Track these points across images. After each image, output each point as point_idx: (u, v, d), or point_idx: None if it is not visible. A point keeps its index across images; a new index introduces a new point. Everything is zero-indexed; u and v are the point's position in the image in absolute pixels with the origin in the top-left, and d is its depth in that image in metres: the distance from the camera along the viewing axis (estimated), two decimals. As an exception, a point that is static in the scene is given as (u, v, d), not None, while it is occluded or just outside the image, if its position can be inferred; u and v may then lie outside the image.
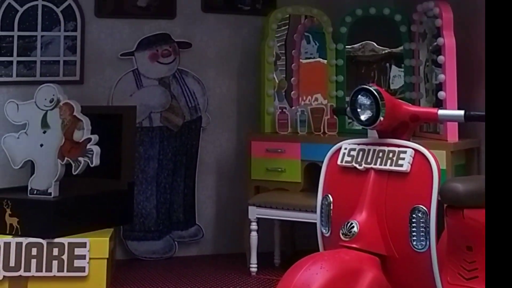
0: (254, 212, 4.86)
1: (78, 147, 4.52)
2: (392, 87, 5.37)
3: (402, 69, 5.27)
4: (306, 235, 4.85)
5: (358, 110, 2.84)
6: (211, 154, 5.67)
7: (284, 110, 5.26)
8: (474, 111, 2.82)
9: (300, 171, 4.92)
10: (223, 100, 5.71)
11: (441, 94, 4.58)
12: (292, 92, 5.55)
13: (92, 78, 5.46)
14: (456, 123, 4.53)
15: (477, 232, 3.00)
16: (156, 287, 4.68)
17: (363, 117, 2.82)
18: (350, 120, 5.21)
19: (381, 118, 2.76)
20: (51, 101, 4.67)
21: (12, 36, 5.32)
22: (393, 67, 5.46)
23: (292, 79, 5.56)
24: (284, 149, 4.99)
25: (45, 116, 4.67)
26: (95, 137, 4.51)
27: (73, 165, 4.50)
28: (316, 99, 5.45)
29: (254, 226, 4.88)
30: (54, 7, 5.41)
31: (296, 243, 5.37)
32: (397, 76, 5.39)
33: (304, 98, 5.53)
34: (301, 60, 5.62)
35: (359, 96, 2.84)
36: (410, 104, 3.03)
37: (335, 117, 5.14)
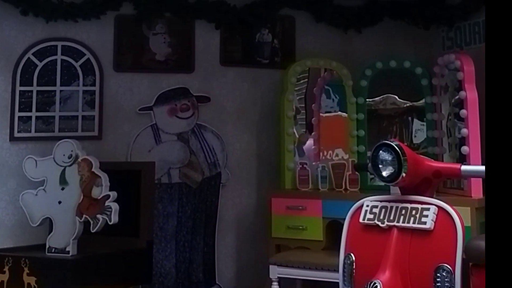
0: (275, 271, 4.83)
1: (97, 204, 4.55)
2: (414, 141, 5.40)
3: (424, 123, 5.30)
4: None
5: (380, 166, 2.86)
6: (231, 211, 5.66)
7: (304, 165, 5.28)
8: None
9: (321, 229, 4.91)
10: (242, 156, 5.73)
11: (465, 149, 4.59)
12: (313, 147, 5.57)
13: (110, 133, 5.51)
14: (481, 179, 4.54)
15: (503, 292, 3.00)
16: None
17: (385, 173, 2.85)
18: (372, 176, 5.21)
19: (403, 174, 2.79)
20: (69, 157, 4.74)
21: (31, 91, 5.41)
22: (415, 120, 5.49)
23: (313, 133, 5.60)
24: (305, 206, 4.99)
25: (63, 172, 4.73)
26: (113, 194, 4.55)
27: (91, 222, 4.53)
28: (337, 154, 5.47)
29: (275, 286, 4.85)
30: (73, 62, 5.51)
31: (318, 303, 5.34)
32: (419, 130, 5.42)
33: (325, 152, 5.54)
34: (321, 114, 5.65)
35: (381, 151, 2.86)
36: (432, 160, 3.06)
37: (356, 173, 5.15)
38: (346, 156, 5.38)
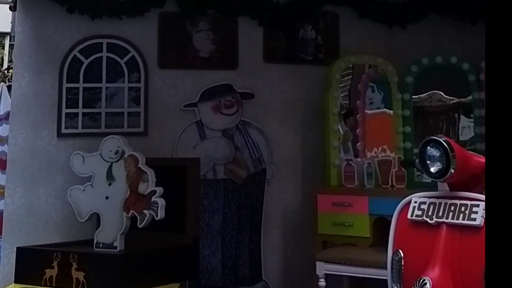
0: (322, 268, 4.84)
1: (143, 199, 4.59)
2: (461, 138, 5.37)
3: (472, 120, 5.27)
4: (376, 292, 4.83)
5: (428, 162, 2.85)
6: (277, 207, 5.68)
7: (350, 162, 5.29)
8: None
9: (368, 226, 4.91)
10: (287, 152, 5.74)
11: (513, 145, 4.56)
12: (358, 144, 5.57)
13: (155, 130, 5.57)
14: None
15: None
16: None
17: (433, 170, 2.83)
18: (419, 173, 5.18)
19: (452, 171, 2.77)
20: (116, 153, 4.79)
21: (78, 88, 5.51)
22: (462, 117, 5.46)
23: (358, 130, 5.60)
24: (351, 203, 4.99)
25: (110, 168, 4.79)
26: (160, 190, 4.59)
27: (138, 218, 4.57)
28: (383, 151, 5.46)
29: (322, 282, 4.86)
30: (118, 59, 5.59)
31: (366, 300, 5.34)
32: (466, 127, 5.39)
33: (371, 150, 5.54)
34: (366, 111, 5.65)
35: (428, 147, 2.85)
36: (482, 156, 3.04)
37: (403, 169, 5.14)
38: (392, 154, 5.37)
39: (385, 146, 5.44)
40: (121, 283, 4.45)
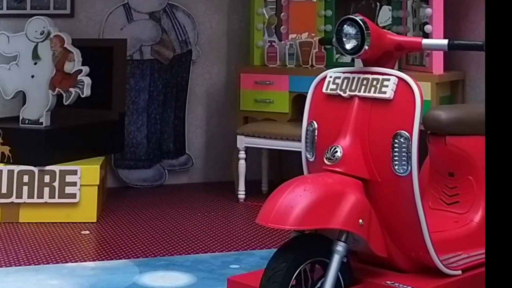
0: (242, 141, 4.93)
1: (69, 78, 4.54)
2: (379, 21, 5.32)
3: (390, 5, 5.21)
4: (293, 164, 4.88)
5: (344, 39, 2.80)
6: (201, 86, 5.68)
7: (273, 43, 5.26)
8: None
9: (288, 102, 4.95)
10: (213, 34, 5.70)
11: (428, 27, 4.55)
12: (282, 27, 5.50)
13: (82, 12, 5.41)
14: (442, 56, 4.52)
15: (458, 159, 3.02)
16: (146, 213, 4.73)
17: (348, 46, 2.78)
18: (338, 55, 5.19)
19: (366, 47, 2.73)
20: (41, 33, 4.66)
21: (2, -31, 5.25)
22: (384, 7, 5.39)
23: (282, 14, 5.50)
24: (273, 81, 5.02)
25: (36, 48, 4.65)
26: (86, 69, 4.53)
27: (64, 95, 4.53)
28: (306, 34, 5.39)
29: (242, 154, 4.96)
30: None
31: (283, 171, 5.41)
32: (385, 10, 5.33)
33: (293, 33, 5.47)
34: (291, -3, 5.55)
35: (345, 26, 2.80)
36: (394, 34, 2.99)
37: (323, 50, 5.13)
38: (313, 36, 5.31)
39: (307, 32, 5.37)
40: (46, 157, 4.45)
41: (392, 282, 2.64)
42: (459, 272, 2.73)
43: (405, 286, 2.60)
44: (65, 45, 4.58)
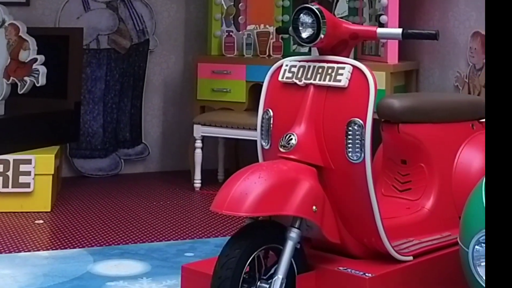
0: (199, 130, 4.92)
1: (24, 67, 4.49)
2: (336, 12, 5.34)
3: (348, -3, 5.23)
4: (249, 153, 4.88)
5: (300, 28, 2.80)
6: (158, 76, 5.66)
7: (231, 33, 5.25)
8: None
9: (245, 92, 4.97)
10: (171, 24, 5.68)
11: (383, 18, 4.60)
12: (240, 17, 5.48)
13: (38, 0, 5.34)
14: (397, 46, 4.57)
15: (411, 146, 3.04)
16: (101, 202, 4.70)
17: (304, 35, 2.79)
18: (295, 45, 5.21)
19: (322, 36, 2.74)
20: (-5, 22, 4.59)
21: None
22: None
23: (240, 4, 5.49)
24: (230, 71, 5.03)
25: (-11, 36, 4.58)
26: (41, 57, 4.49)
27: (19, 84, 4.48)
28: (263, 24, 5.38)
29: (198, 143, 4.95)
30: None
31: (239, 160, 5.41)
32: (342, 2, 5.35)
33: (251, 23, 5.46)
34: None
35: (301, 14, 2.80)
36: (350, 23, 3.01)
37: (280, 40, 5.16)
38: (271, 26, 5.31)
39: (265, 22, 5.36)
40: (0, 146, 4.38)
41: (345, 268, 2.65)
42: (411, 258, 2.75)
43: (357, 272, 2.62)
44: (20, 34, 4.53)
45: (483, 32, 4.33)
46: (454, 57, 4.63)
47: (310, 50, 4.29)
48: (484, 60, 4.27)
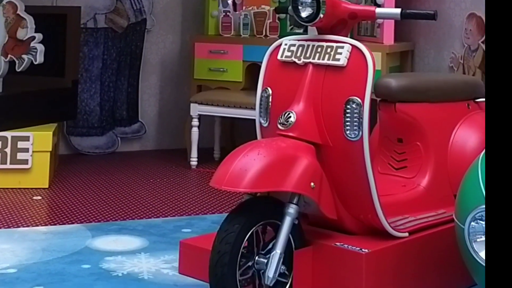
0: (195, 109, 4.93)
1: (22, 45, 4.49)
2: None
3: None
4: (244, 132, 4.91)
5: (300, 7, 2.81)
6: (155, 55, 5.66)
7: (228, 13, 5.25)
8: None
9: (241, 71, 4.98)
10: (168, 3, 5.66)
11: (380, -1, 4.59)
12: (237, -3, 5.48)
13: (36, -22, 5.32)
14: (392, 27, 4.58)
15: (407, 125, 3.05)
16: (98, 179, 4.71)
17: (303, 14, 2.79)
18: (291, 26, 5.20)
19: (321, 15, 2.74)
20: (-6, 0, 4.57)
21: None
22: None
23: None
24: (227, 51, 5.04)
25: (-14, 15, 4.56)
26: (39, 36, 4.48)
27: (17, 62, 4.47)
28: (260, 5, 5.38)
29: (195, 122, 4.97)
30: None
31: (235, 139, 5.42)
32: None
33: (248, 5, 5.45)
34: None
35: (301, -4, 2.80)
36: (349, 2, 3.01)
37: (277, 21, 5.15)
38: (268, 7, 5.31)
39: (261, 3, 5.34)
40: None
41: (341, 243, 2.67)
42: (406, 234, 2.77)
43: (353, 248, 2.64)
44: (17, 12, 4.52)
45: (479, 14, 4.34)
46: (450, 38, 4.64)
47: (306, 31, 4.28)
48: (480, 41, 4.31)
